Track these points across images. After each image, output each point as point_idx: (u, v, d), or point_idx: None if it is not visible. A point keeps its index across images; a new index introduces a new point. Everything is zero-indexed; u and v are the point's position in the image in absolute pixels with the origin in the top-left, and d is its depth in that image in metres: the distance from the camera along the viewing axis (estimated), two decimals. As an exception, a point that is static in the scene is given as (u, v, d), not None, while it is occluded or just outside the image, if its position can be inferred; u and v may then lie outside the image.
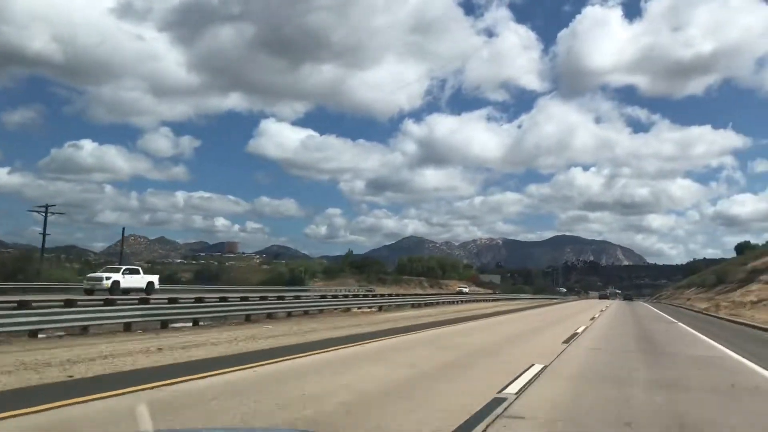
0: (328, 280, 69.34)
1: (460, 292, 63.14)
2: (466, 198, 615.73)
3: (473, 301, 47.61)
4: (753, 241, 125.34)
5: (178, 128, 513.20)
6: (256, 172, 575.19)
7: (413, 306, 33.43)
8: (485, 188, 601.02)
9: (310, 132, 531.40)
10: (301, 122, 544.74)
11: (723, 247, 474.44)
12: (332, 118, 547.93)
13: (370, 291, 55.86)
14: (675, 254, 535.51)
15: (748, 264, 51.04)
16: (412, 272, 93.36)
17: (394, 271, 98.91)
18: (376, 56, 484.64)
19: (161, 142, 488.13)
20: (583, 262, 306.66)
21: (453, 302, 42.07)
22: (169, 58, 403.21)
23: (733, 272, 48.35)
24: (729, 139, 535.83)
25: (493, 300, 55.21)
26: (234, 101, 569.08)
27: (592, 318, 28.22)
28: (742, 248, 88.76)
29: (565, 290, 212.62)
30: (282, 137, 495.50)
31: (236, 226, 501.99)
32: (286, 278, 62.47)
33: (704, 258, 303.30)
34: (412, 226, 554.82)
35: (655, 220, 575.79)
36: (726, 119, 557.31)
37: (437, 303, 38.31)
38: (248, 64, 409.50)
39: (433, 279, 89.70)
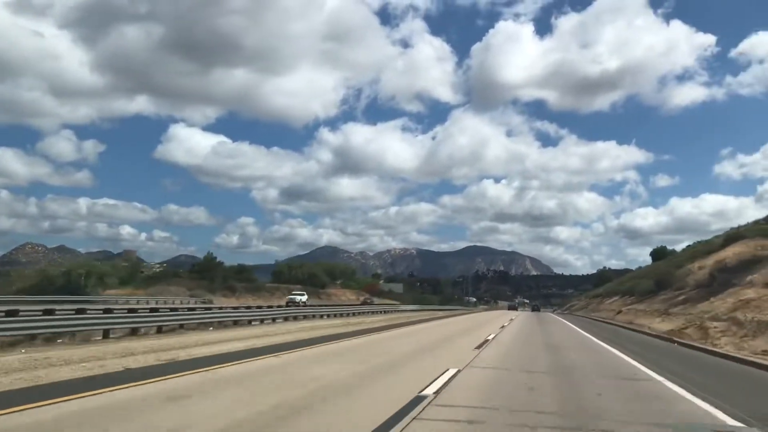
0: (142, 288, 51.46)
1: (292, 303, 45.70)
2: (381, 208, 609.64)
3: (347, 314, 33.50)
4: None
5: (82, 131, 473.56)
6: (164, 178, 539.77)
7: (250, 323, 23.37)
8: (400, 198, 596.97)
9: (222, 138, 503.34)
10: (212, 128, 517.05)
11: (626, 258, 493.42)
12: (245, 124, 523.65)
13: (206, 303, 40.16)
14: (580, 265, 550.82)
15: (686, 266, 38.71)
16: (291, 280, 77.17)
17: (272, 278, 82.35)
18: (291, 62, 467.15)
19: (63, 145, 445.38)
20: (494, 271, 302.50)
21: (322, 316, 30.88)
22: (71, 57, 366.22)
23: (678, 276, 35.55)
24: (632, 154, 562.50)
25: (384, 313, 41.35)
26: (141, 105, 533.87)
27: (482, 342, 17.95)
28: (659, 254, 79.12)
29: (474, 300, 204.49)
30: (192, 143, 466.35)
31: (143, 235, 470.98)
32: (59, 283, 44.58)
33: (610, 268, 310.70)
34: (327, 235, 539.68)
35: (562, 232, 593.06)
36: (630, 135, 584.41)
37: (292, 317, 27.39)
38: (156, 66, 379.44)
39: (315, 288, 73.80)
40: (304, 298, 54.10)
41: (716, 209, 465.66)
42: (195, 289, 47.58)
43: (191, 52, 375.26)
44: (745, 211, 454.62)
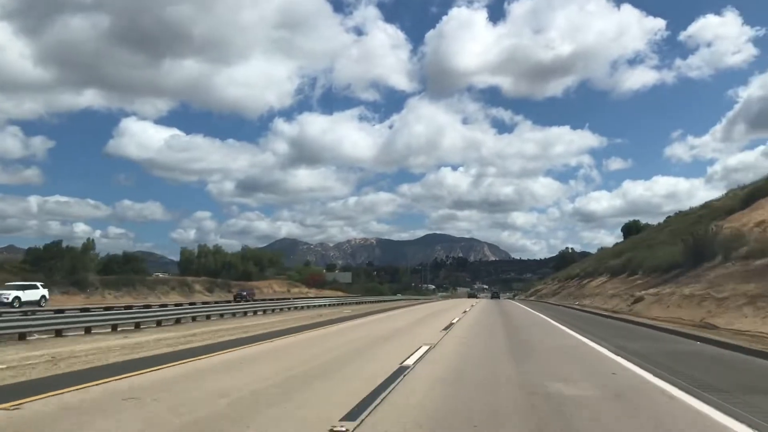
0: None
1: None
2: (340, 198, 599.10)
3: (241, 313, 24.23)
4: (608, 236, 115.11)
5: (29, 127, 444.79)
6: (117, 174, 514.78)
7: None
8: (359, 188, 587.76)
9: (175, 131, 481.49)
10: (164, 121, 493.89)
11: (581, 241, 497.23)
12: (198, 116, 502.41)
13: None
14: (538, 249, 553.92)
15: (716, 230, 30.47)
16: (201, 271, 66.60)
17: (178, 272, 71.20)
18: (243, 52, 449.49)
19: (9, 142, 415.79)
20: (452, 258, 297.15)
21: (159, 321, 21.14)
22: (12, 49, 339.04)
23: (724, 241, 26.88)
24: (586, 138, 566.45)
25: (298, 309, 32.23)
26: (90, 98, 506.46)
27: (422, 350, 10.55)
28: (632, 229, 72.44)
29: (433, 287, 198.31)
30: (144, 137, 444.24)
31: (98, 232, 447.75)
32: None
33: (571, 249, 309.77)
34: (286, 228, 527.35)
35: (519, 218, 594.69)
36: (583, 120, 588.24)
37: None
38: (104, 58, 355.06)
39: (226, 280, 63.66)
40: None
41: (668, 191, 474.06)
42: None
43: (140, 43, 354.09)
44: (696, 192, 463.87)
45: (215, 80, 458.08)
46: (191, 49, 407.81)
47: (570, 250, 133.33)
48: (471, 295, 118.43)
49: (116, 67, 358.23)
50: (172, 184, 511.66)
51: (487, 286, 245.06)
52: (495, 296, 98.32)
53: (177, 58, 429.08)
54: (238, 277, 70.50)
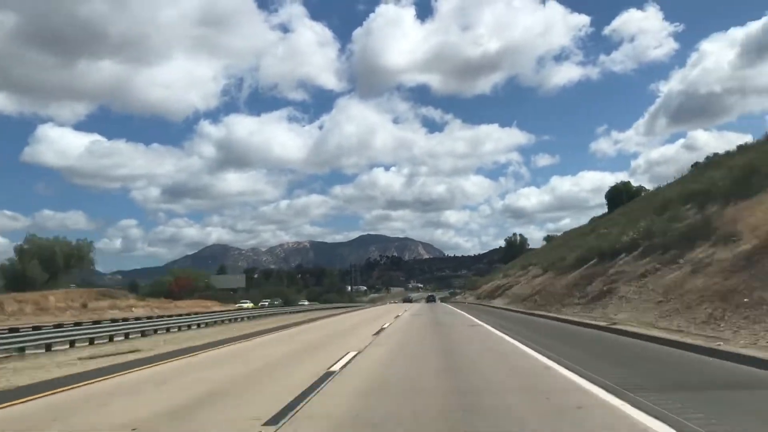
0: None
1: None
2: (271, 202, 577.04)
3: None
4: (537, 231, 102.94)
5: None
6: (35, 182, 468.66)
7: None
8: (290, 191, 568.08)
9: (96, 137, 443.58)
10: (84, 126, 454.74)
11: (509, 237, 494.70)
12: (119, 120, 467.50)
13: None
14: (470, 246, 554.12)
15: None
16: None
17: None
18: (163, 51, 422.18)
19: None
20: (386, 257, 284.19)
21: None
22: None
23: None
24: (514, 136, 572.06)
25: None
26: (0, 103, 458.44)
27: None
28: (622, 193, 56.76)
29: (365, 288, 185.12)
30: (63, 143, 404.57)
31: (14, 245, 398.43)
32: None
33: (519, 236, 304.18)
34: (216, 233, 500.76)
35: (451, 216, 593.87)
36: (511, 117, 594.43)
37: None
38: (13, 59, 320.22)
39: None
40: None
41: (594, 185, 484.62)
42: None
43: (52, 44, 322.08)
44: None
45: (135, 82, 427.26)
46: (108, 49, 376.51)
47: (517, 237, 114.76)
48: (407, 300, 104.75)
49: (27, 68, 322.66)
50: (94, 191, 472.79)
51: (422, 285, 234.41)
52: (431, 300, 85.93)
53: (93, 58, 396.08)
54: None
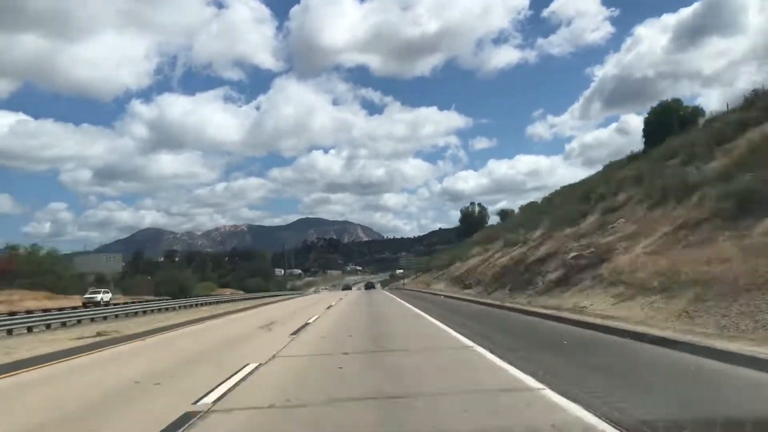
0: None
1: None
2: (207, 185, 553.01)
3: None
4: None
5: None
6: None
7: None
8: (227, 173, 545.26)
9: (22, 116, 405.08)
10: (7, 104, 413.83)
11: (449, 219, 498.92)
12: (46, 99, 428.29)
13: None
14: (409, 229, 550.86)
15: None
16: None
17: None
18: (88, 25, 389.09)
19: None
20: (323, 239, 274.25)
21: None
22: None
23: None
24: (453, 119, 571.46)
25: None
26: None
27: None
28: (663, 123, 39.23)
29: (299, 272, 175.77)
30: None
31: None
32: None
33: (441, 228, 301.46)
34: (150, 217, 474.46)
35: (390, 199, 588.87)
36: (450, 100, 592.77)
37: None
38: None
39: None
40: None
41: (530, 168, 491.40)
42: None
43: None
44: (555, 169, 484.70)
45: (61, 58, 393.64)
46: (27, 23, 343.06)
47: (475, 207, 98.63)
48: (346, 287, 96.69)
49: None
50: (20, 173, 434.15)
51: (360, 268, 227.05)
52: (369, 287, 79.66)
53: (12, 32, 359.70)
54: None
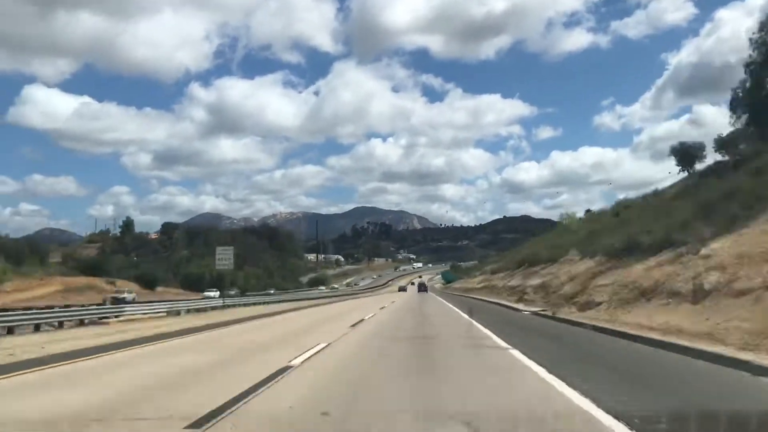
0: None
1: None
2: (266, 171, 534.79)
3: None
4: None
5: None
6: (23, 145, 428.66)
7: None
8: (285, 160, 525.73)
9: (86, 99, 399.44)
10: (70, 85, 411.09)
11: (507, 212, 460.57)
12: (107, 80, 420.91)
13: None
14: (466, 221, 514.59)
15: None
16: None
17: None
18: (146, 3, 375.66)
19: None
20: (375, 224, 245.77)
21: None
22: None
23: None
24: (516, 108, 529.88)
25: None
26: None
27: None
28: None
29: (337, 258, 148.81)
30: (51, 105, 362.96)
31: (8, 210, 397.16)
32: None
33: (505, 216, 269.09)
34: (210, 202, 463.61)
35: (448, 190, 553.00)
36: (514, 88, 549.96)
37: None
38: None
39: None
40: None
41: (594, 161, 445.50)
42: None
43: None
44: (621, 162, 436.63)
45: (120, 38, 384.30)
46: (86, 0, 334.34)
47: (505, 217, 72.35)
48: (401, 289, 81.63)
49: (2, 19, 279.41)
50: (83, 156, 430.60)
51: (414, 256, 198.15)
52: (422, 289, 66.89)
53: (71, 10, 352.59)
54: None
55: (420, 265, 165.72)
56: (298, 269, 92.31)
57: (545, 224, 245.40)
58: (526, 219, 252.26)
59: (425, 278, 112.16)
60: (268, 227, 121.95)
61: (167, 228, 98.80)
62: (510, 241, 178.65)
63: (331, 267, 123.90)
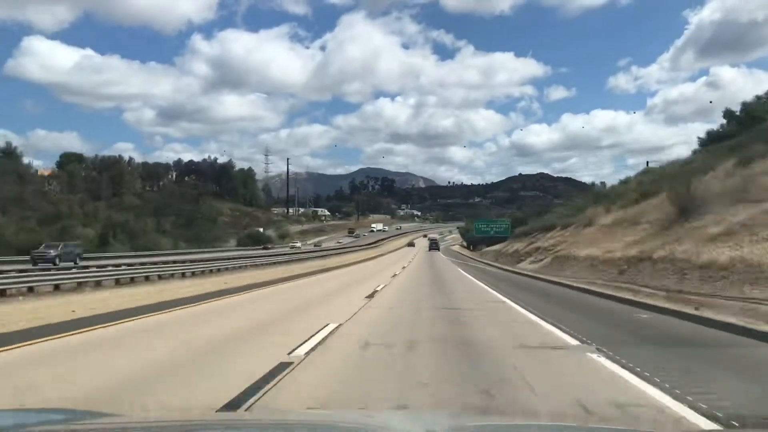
0: None
1: None
2: (271, 130, 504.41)
3: None
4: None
5: None
6: (24, 99, 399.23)
7: None
8: (291, 119, 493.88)
9: (89, 51, 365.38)
10: (68, 35, 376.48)
11: (514, 173, 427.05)
12: (107, 30, 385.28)
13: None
14: (472, 185, 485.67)
15: None
16: None
17: None
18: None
19: None
20: (375, 179, 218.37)
21: None
22: None
23: None
24: (530, 67, 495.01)
25: None
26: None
27: None
28: None
29: (327, 213, 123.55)
30: (52, 56, 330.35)
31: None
32: None
33: (521, 174, 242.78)
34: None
35: (456, 153, 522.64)
36: (528, 45, 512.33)
37: None
38: None
39: None
40: None
41: (607, 124, 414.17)
42: None
43: None
44: (634, 126, 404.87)
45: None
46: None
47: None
48: (411, 244, 75.50)
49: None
50: (85, 111, 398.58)
51: (419, 213, 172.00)
52: (433, 246, 63.62)
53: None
54: None
55: (411, 225, 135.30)
56: (237, 223, 67.36)
57: (565, 183, 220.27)
58: (543, 176, 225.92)
59: (420, 240, 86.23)
60: (217, 167, 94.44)
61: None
62: (531, 199, 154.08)
63: (313, 219, 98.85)
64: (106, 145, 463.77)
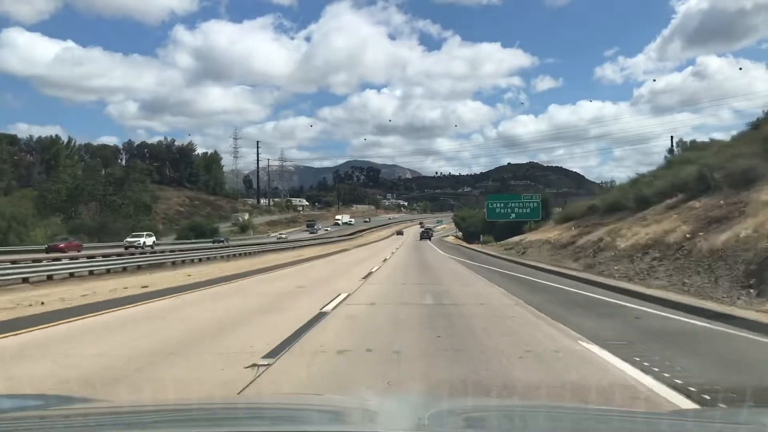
0: None
1: None
2: (256, 123, 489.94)
3: None
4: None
5: None
6: (4, 92, 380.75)
7: None
8: (276, 111, 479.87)
9: (70, 43, 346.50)
10: (48, 27, 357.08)
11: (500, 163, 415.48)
12: (88, 22, 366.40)
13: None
14: (461, 175, 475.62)
15: None
16: None
17: None
18: None
19: None
20: (359, 170, 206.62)
21: None
22: None
23: None
24: (517, 57, 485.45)
25: None
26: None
27: None
28: None
29: (303, 203, 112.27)
30: (32, 49, 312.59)
31: None
32: None
33: (509, 163, 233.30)
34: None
35: (443, 144, 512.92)
36: (515, 36, 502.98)
37: None
38: None
39: None
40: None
41: (594, 115, 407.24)
42: None
43: None
44: (621, 116, 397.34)
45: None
46: None
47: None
48: (399, 233, 70.85)
49: None
50: (67, 104, 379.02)
51: (405, 203, 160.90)
52: (425, 236, 56.23)
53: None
54: None
55: (394, 216, 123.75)
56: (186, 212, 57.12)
57: (556, 173, 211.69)
58: (533, 165, 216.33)
59: (409, 230, 77.54)
60: (175, 150, 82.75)
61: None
62: (522, 188, 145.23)
63: (283, 212, 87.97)
64: (91, 139, 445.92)
